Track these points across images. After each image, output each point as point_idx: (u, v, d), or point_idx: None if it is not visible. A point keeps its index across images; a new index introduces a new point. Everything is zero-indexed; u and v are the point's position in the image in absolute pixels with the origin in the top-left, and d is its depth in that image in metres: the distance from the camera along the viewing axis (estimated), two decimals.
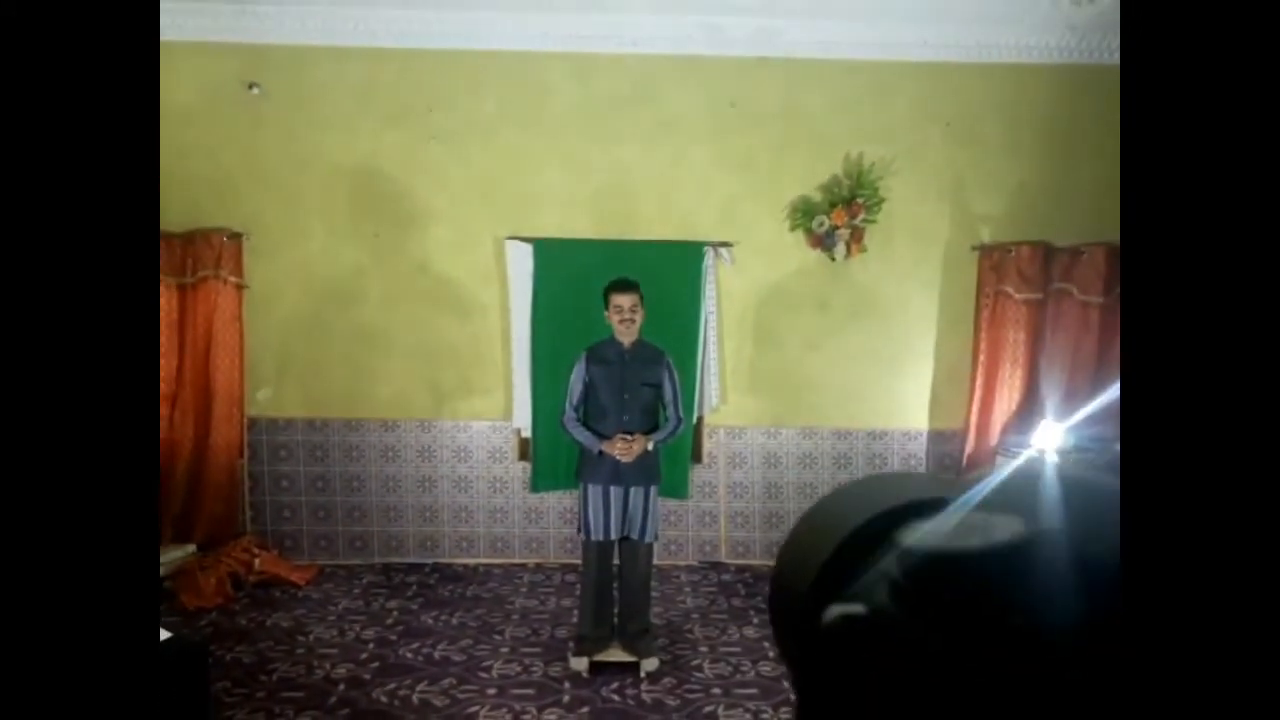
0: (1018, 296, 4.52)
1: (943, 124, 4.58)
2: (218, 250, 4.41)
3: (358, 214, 4.56)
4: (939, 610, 0.28)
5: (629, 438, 3.24)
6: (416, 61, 4.46)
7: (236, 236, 4.46)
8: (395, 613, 3.93)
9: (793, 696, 3.07)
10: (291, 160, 4.51)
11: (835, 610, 0.31)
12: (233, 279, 4.45)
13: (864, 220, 4.46)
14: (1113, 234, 4.52)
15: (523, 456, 4.67)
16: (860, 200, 4.46)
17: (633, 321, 3.29)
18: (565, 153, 4.53)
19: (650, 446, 3.29)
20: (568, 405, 3.35)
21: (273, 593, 4.16)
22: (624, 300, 3.27)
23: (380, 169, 4.54)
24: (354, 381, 4.63)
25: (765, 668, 3.36)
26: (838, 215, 4.45)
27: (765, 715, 2.94)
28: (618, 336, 3.32)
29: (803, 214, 4.53)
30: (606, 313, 3.33)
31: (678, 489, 4.42)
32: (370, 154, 4.53)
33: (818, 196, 4.55)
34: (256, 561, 4.26)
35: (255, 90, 4.44)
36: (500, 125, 4.52)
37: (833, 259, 4.54)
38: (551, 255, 4.45)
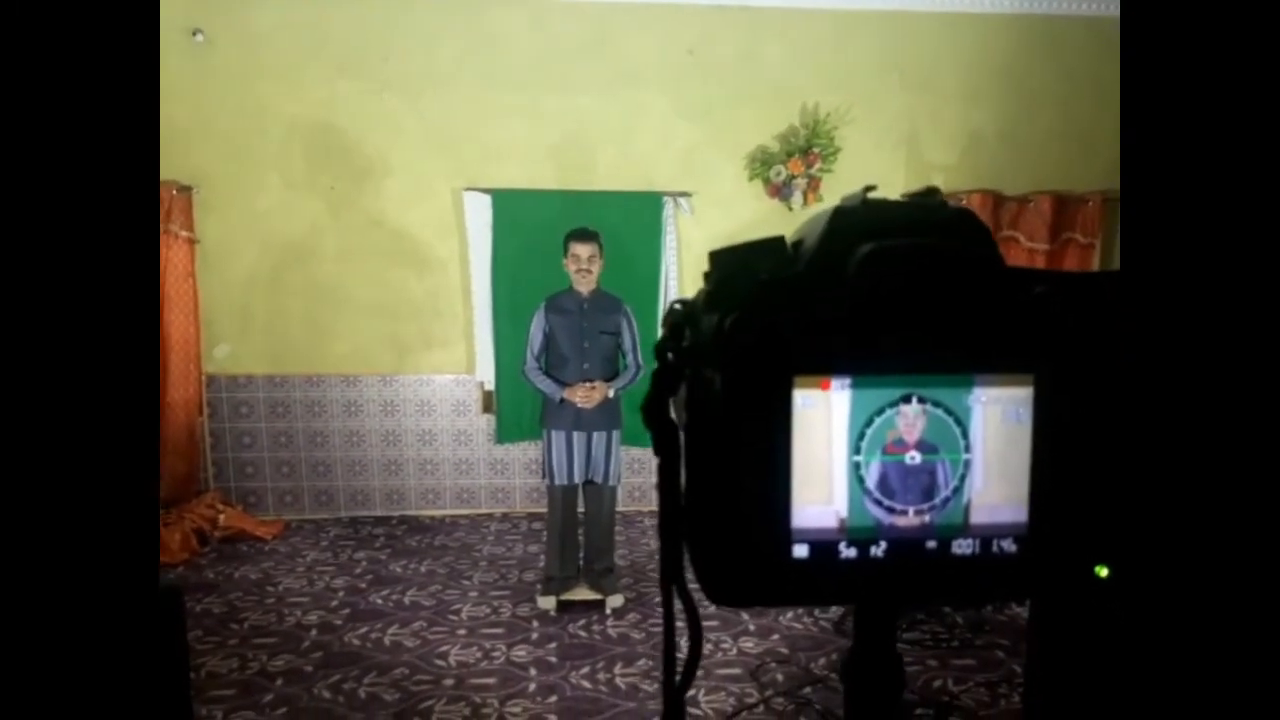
0: None
1: (898, 73, 4.63)
2: (166, 204, 4.30)
3: (312, 166, 4.48)
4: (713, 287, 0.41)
5: (589, 385, 3.31)
6: (368, 8, 4.35)
7: (186, 190, 4.35)
8: (364, 563, 3.99)
9: (751, 626, 3.23)
10: (240, 111, 4.39)
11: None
12: (184, 233, 4.36)
13: (820, 170, 4.53)
14: (1059, 183, 4.67)
15: (486, 409, 4.71)
16: (816, 150, 4.51)
17: (590, 272, 3.32)
18: (523, 102, 4.49)
19: (611, 393, 3.36)
20: (529, 355, 3.39)
21: (239, 547, 4.19)
22: (582, 250, 3.30)
23: (334, 120, 4.45)
24: (314, 337, 4.60)
25: None
26: (794, 165, 4.50)
27: (725, 644, 3.09)
28: (576, 286, 3.35)
29: (761, 164, 4.58)
30: (565, 260, 3.36)
31: (642, 436, 4.51)
32: (323, 104, 4.43)
33: (775, 146, 4.58)
34: (221, 517, 4.27)
35: (199, 38, 4.30)
36: (456, 75, 4.44)
37: (790, 208, 4.60)
38: (510, 207, 4.44)
